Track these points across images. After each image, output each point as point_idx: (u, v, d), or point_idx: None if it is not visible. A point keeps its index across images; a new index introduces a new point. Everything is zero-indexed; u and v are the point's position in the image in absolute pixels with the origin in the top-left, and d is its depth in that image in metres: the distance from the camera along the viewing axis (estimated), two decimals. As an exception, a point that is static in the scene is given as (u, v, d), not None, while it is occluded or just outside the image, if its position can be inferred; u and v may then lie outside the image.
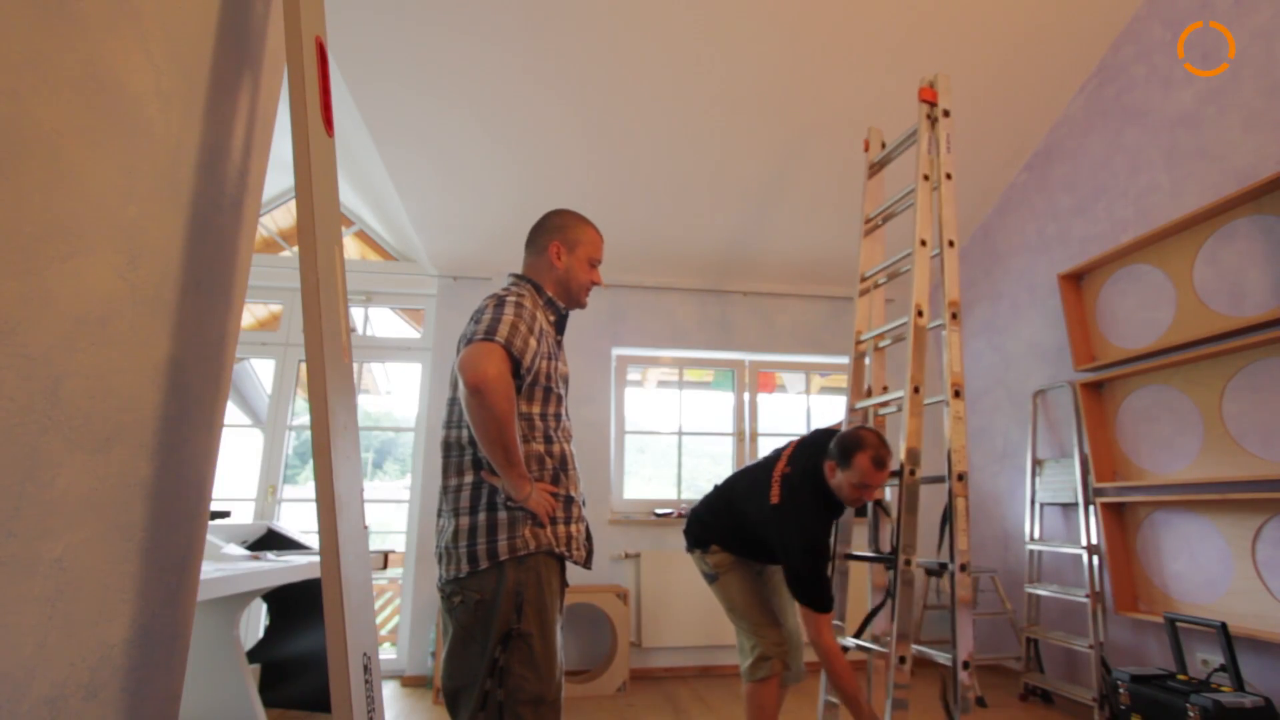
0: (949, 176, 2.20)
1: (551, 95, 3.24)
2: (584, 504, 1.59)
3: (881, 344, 2.48)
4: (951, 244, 2.15)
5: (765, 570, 2.34)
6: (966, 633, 1.91)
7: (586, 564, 1.56)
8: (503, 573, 1.39)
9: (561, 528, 1.48)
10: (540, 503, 1.43)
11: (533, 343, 1.44)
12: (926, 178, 2.20)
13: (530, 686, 1.35)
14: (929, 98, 2.29)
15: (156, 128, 0.95)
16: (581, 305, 1.69)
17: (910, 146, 2.40)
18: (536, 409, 1.50)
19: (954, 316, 2.06)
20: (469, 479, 1.45)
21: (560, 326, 1.65)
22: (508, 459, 1.36)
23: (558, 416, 1.55)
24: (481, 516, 1.42)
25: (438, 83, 3.13)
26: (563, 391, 1.58)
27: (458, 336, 4.41)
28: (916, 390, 2.06)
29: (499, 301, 1.46)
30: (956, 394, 2.01)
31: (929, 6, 3.02)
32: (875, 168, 2.57)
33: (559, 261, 1.63)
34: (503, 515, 1.42)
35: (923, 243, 2.16)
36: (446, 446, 1.50)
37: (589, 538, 1.58)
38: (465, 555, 1.40)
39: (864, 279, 2.53)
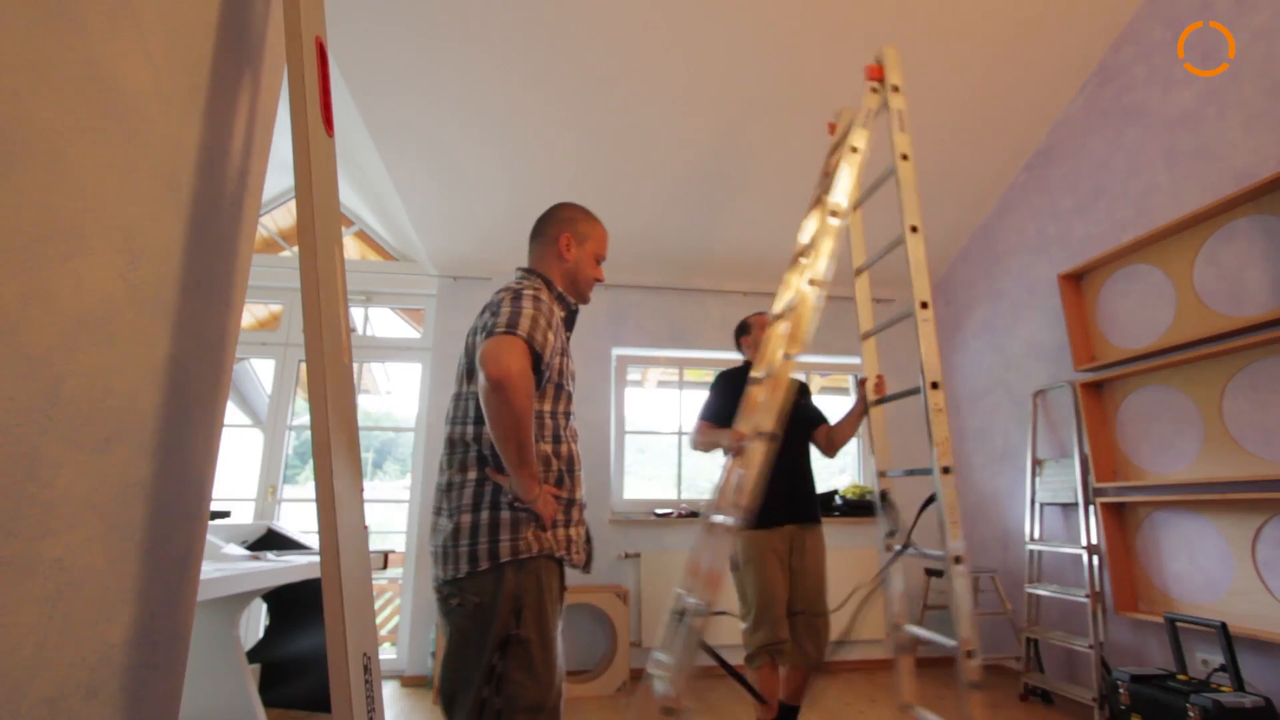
0: (905, 158, 2.05)
1: (550, 98, 3.25)
2: (584, 506, 1.56)
3: (871, 335, 2.48)
4: (915, 229, 2.02)
5: (793, 560, 2.47)
6: (966, 624, 1.87)
7: (585, 568, 1.52)
8: (502, 575, 1.34)
9: (562, 531, 1.44)
10: (546, 505, 1.39)
11: (551, 337, 1.40)
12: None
13: (529, 694, 1.31)
14: (877, 75, 2.14)
15: (156, 128, 0.95)
16: (586, 301, 1.67)
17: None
18: (548, 406, 1.46)
19: (924, 305, 1.98)
20: (472, 475, 1.41)
21: (570, 323, 1.62)
22: (521, 457, 1.32)
23: (567, 415, 1.51)
24: (484, 515, 1.37)
25: (437, 86, 3.13)
26: (572, 389, 1.55)
27: (458, 336, 4.41)
28: (934, 385, 2.01)
29: (515, 295, 1.41)
30: (934, 385, 1.96)
31: (934, 8, 3.02)
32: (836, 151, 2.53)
33: (569, 253, 1.60)
34: (506, 515, 1.37)
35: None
36: (450, 443, 1.46)
37: (589, 540, 1.54)
38: (465, 555, 1.35)
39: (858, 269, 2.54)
